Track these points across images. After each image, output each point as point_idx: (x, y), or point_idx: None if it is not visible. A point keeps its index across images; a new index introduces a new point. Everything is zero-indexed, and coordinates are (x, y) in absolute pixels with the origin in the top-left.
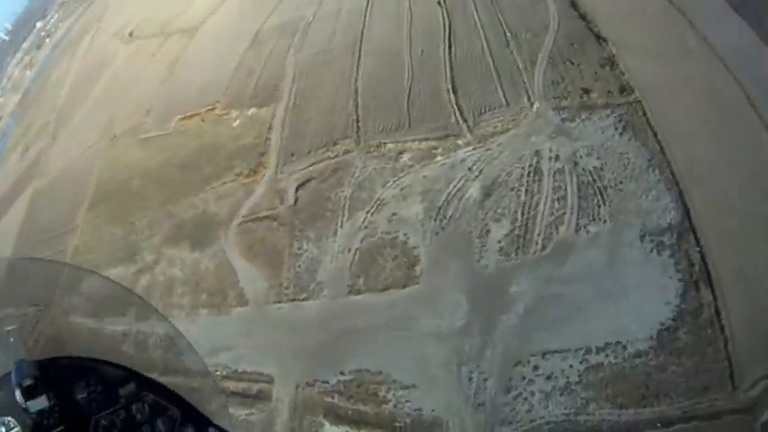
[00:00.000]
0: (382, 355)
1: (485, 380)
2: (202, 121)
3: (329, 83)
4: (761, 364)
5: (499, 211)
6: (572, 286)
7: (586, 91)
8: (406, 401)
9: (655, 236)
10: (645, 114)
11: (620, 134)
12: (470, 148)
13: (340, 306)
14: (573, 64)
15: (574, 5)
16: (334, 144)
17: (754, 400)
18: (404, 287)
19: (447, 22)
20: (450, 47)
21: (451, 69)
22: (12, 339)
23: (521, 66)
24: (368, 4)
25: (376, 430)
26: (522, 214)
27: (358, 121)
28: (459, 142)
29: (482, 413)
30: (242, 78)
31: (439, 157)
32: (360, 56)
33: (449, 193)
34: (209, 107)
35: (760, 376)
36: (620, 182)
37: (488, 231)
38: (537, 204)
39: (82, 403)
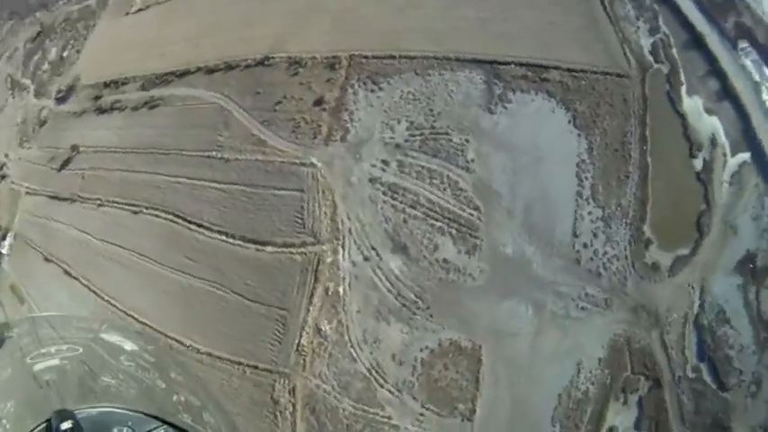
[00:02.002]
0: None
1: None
2: None
3: None
4: None
5: (425, 243)
6: (523, 195)
7: (318, 102)
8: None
9: (499, 102)
10: (367, 58)
11: (382, 90)
12: (340, 247)
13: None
14: (280, 104)
15: (210, 72)
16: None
17: None
18: (479, 361)
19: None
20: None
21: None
22: (52, 389)
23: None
24: None
25: None
26: (437, 220)
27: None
28: (334, 255)
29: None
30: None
31: (341, 288)
32: None
33: (388, 289)
34: None
35: None
36: (438, 112)
37: (445, 260)
38: (431, 202)
39: None
